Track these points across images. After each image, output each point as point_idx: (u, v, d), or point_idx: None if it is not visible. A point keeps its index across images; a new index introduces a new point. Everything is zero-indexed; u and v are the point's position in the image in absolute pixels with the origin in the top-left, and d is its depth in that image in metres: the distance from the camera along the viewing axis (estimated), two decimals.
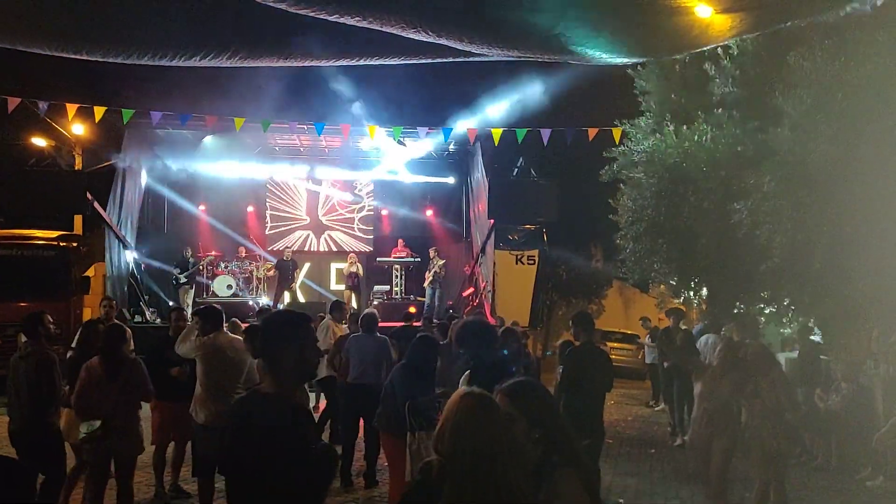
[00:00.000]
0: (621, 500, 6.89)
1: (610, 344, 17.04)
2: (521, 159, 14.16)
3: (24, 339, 5.58)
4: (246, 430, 2.53)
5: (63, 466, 5.38)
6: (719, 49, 8.34)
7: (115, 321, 7.17)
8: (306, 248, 17.98)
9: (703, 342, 8.76)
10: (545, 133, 12.38)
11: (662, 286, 10.78)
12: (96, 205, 13.42)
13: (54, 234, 13.00)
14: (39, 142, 14.48)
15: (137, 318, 13.84)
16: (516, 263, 15.04)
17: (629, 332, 18.69)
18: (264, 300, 15.60)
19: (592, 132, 12.05)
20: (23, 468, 2.76)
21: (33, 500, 2.83)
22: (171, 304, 14.10)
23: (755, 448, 5.71)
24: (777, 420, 5.67)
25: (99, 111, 11.52)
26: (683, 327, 9.94)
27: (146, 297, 15.29)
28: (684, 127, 8.83)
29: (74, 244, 13.08)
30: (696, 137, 8.78)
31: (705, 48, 8.04)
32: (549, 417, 2.45)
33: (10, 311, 10.50)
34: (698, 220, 8.80)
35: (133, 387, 5.28)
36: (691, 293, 10.52)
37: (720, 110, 8.40)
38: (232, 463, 2.57)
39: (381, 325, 7.56)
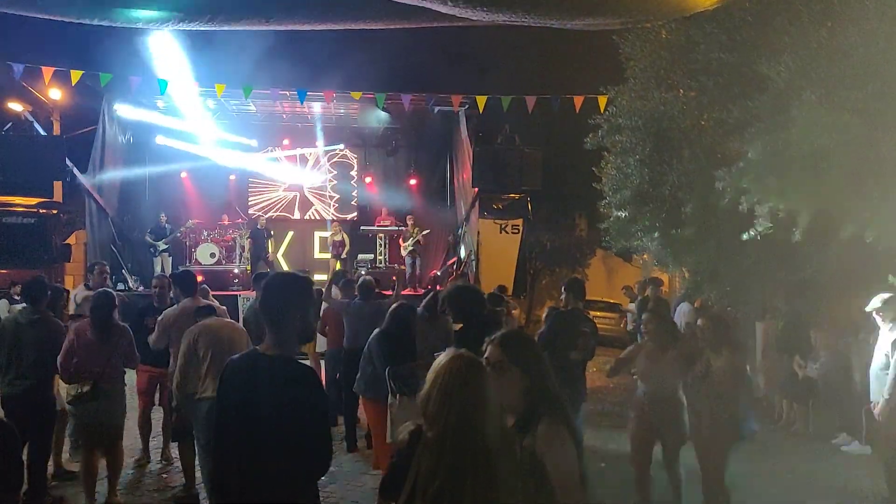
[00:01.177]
0: (602, 464, 6.98)
1: (593, 313, 17.04)
2: (505, 127, 14.01)
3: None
4: (254, 389, 2.51)
5: (52, 433, 5.45)
6: (706, 14, 8.23)
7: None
8: (289, 215, 17.82)
9: (679, 311, 8.81)
10: (530, 100, 12.27)
11: (646, 255, 10.79)
12: (76, 171, 13.21)
13: (34, 201, 12.78)
14: (15, 107, 14.14)
15: (120, 286, 13.69)
16: (500, 232, 15.01)
17: (612, 300, 18.79)
18: (249, 268, 15.47)
19: (578, 100, 11.92)
20: (12, 429, 2.77)
21: (20, 460, 2.85)
22: (159, 272, 13.96)
23: (696, 437, 5.16)
24: (726, 407, 4.97)
25: (75, 75, 11.28)
26: (662, 297, 10.02)
27: (129, 265, 15.14)
28: (669, 93, 8.76)
29: (54, 211, 12.88)
30: (680, 104, 8.72)
31: (691, 13, 7.94)
32: (538, 368, 2.48)
33: None
34: (682, 189, 8.77)
35: (121, 352, 5.36)
36: (674, 262, 10.53)
37: (706, 77, 8.32)
38: (231, 419, 2.56)
39: None
